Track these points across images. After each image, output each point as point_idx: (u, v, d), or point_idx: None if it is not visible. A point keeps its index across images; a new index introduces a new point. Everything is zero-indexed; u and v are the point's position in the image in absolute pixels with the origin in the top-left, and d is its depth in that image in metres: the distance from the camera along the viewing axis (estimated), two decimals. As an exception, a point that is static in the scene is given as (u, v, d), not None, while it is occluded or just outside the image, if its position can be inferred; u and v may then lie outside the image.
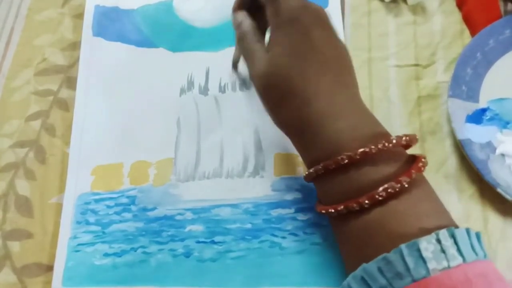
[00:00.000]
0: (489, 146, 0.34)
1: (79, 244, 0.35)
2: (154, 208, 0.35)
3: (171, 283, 0.33)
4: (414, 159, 0.25)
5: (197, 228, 0.34)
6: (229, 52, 0.40)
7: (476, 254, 0.22)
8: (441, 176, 0.34)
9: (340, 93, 0.26)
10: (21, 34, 0.44)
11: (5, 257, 0.36)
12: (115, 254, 0.34)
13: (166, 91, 0.40)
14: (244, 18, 0.31)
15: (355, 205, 0.24)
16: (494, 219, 0.33)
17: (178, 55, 0.41)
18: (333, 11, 0.40)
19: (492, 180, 0.32)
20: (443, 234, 0.22)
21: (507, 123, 0.35)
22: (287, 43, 0.27)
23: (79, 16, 0.44)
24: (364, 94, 0.37)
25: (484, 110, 0.35)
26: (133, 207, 0.36)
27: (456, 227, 0.23)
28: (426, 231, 0.22)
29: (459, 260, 0.21)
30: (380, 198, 0.23)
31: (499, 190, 0.31)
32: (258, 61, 0.28)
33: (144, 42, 0.42)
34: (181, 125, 0.38)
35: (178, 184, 0.36)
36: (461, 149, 0.33)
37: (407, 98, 0.37)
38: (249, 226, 0.34)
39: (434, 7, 0.40)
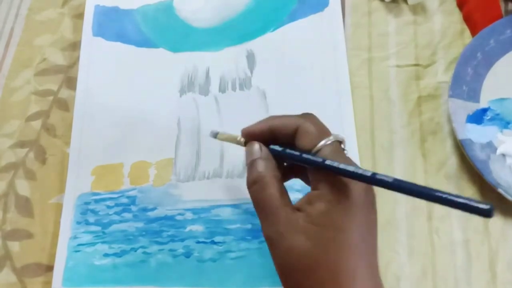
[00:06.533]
0: (490, 146, 0.34)
1: (79, 244, 0.35)
2: (154, 208, 0.35)
3: (171, 283, 0.33)
4: None
5: (197, 228, 0.34)
6: (229, 52, 0.40)
7: None
8: (442, 176, 0.34)
9: (368, 278, 0.23)
10: (21, 34, 0.44)
11: (5, 257, 0.36)
12: (115, 254, 0.34)
13: (166, 91, 0.40)
14: (266, 156, 0.25)
15: None
16: (494, 219, 0.33)
17: (178, 55, 0.41)
18: (333, 11, 0.40)
19: (492, 180, 0.32)
20: None
21: (508, 123, 0.35)
22: (349, 226, 0.23)
23: (79, 16, 0.44)
24: (364, 94, 0.38)
25: (484, 110, 0.35)
26: (133, 207, 0.36)
27: None
28: None
29: None
30: None
31: (499, 190, 0.31)
32: (287, 227, 0.24)
33: (144, 42, 0.42)
34: (181, 125, 0.38)
35: (178, 184, 0.36)
36: (461, 149, 0.33)
37: (407, 98, 0.37)
38: (249, 226, 0.34)
39: (435, 7, 0.40)
